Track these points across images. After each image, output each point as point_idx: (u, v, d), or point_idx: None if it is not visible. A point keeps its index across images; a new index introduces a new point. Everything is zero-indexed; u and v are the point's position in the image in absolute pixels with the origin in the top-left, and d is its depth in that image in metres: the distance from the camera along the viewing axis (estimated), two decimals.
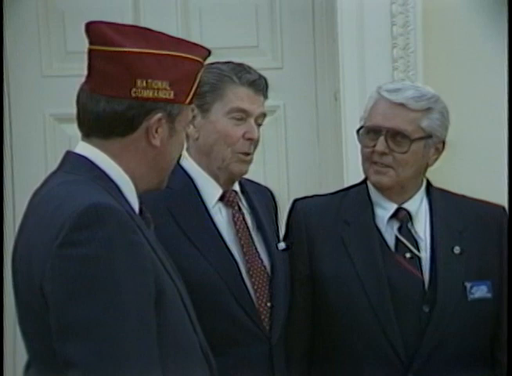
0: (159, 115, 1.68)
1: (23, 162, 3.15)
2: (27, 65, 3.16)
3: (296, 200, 2.37)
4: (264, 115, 2.22)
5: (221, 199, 2.21)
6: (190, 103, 1.74)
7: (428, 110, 2.23)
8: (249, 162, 2.21)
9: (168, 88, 1.68)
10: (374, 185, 2.29)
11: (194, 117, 2.17)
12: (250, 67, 2.19)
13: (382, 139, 2.22)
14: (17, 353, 2.89)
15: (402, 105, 2.22)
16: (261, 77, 2.19)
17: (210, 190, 2.20)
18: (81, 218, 1.54)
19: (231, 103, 2.15)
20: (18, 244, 1.67)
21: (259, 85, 2.17)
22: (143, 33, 1.70)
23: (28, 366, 1.69)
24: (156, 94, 1.66)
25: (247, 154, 2.19)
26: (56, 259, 1.53)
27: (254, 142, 2.19)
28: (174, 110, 1.70)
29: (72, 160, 1.70)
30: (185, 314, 1.69)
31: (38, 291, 1.55)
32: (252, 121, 2.17)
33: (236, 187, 2.26)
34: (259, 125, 2.21)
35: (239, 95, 2.15)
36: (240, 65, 2.19)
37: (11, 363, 2.86)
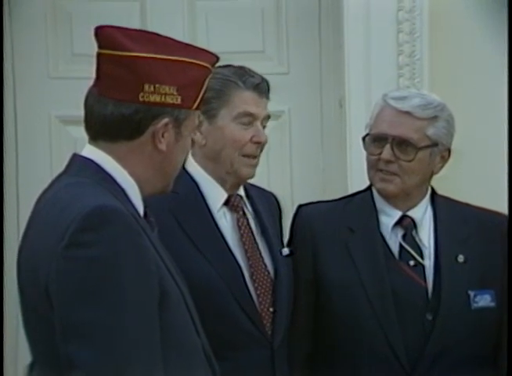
0: (166, 120, 1.68)
1: (29, 164, 3.15)
2: (33, 66, 3.16)
3: (300, 206, 2.37)
4: (268, 117, 2.23)
5: (226, 203, 2.21)
6: (197, 108, 1.74)
7: (434, 118, 2.23)
8: (256, 165, 2.22)
9: (176, 93, 1.68)
10: (379, 192, 2.28)
11: (200, 123, 2.17)
12: (251, 70, 2.20)
13: (388, 146, 2.22)
14: (19, 354, 2.88)
15: (408, 113, 2.22)
16: (263, 79, 2.20)
17: (215, 195, 2.20)
18: (86, 219, 1.54)
19: (238, 108, 2.16)
20: (23, 245, 1.67)
21: (263, 88, 2.18)
22: (152, 38, 1.70)
23: (32, 368, 1.69)
24: (163, 99, 1.67)
25: (254, 157, 2.19)
26: (62, 260, 1.53)
27: (262, 144, 2.20)
28: (181, 115, 1.70)
29: (78, 163, 1.70)
30: (188, 317, 1.69)
31: (43, 292, 1.55)
32: (258, 124, 2.18)
33: (241, 192, 2.26)
34: (263, 127, 2.21)
35: (245, 100, 2.16)
36: (242, 68, 2.20)
37: (12, 364, 2.86)
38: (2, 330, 2.64)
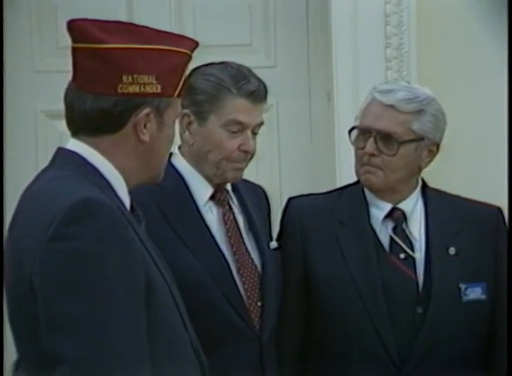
0: (147, 110, 1.66)
1: (14, 158, 3.13)
2: (18, 60, 3.14)
3: (290, 199, 2.36)
4: (261, 124, 2.18)
5: (212, 198, 2.20)
6: (179, 95, 1.72)
7: (420, 112, 2.21)
8: (243, 168, 2.19)
9: (155, 82, 1.66)
10: (364, 185, 2.27)
11: (190, 123, 2.15)
12: (251, 75, 2.15)
13: (371, 140, 2.20)
14: (6, 352, 2.87)
15: (392, 107, 2.20)
16: (260, 86, 2.14)
17: (201, 189, 2.19)
18: (71, 212, 1.53)
19: (228, 115, 2.12)
20: (9, 239, 1.66)
21: (258, 96, 2.14)
22: (126, 28, 1.69)
23: (17, 364, 1.67)
24: (142, 89, 1.65)
25: (241, 162, 2.17)
26: (46, 253, 1.52)
27: (250, 154, 2.17)
28: (162, 104, 1.68)
29: (63, 157, 1.69)
30: (175, 311, 1.68)
31: (28, 286, 1.54)
32: (249, 132, 2.15)
33: (228, 186, 2.24)
34: (255, 134, 2.18)
35: (237, 108, 2.12)
36: (240, 71, 2.14)
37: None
38: (2, 328, 2.62)
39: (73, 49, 1.66)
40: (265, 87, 2.16)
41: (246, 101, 2.12)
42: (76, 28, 1.65)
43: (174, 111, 1.72)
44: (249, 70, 2.17)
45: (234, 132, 2.13)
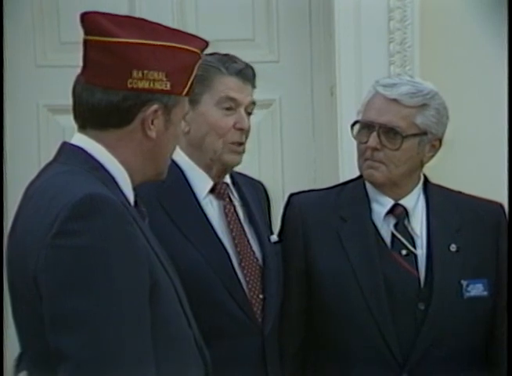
0: (155, 106, 1.67)
1: (16, 154, 3.13)
2: (20, 55, 3.14)
3: (292, 195, 2.35)
4: (253, 104, 2.21)
5: (212, 191, 2.21)
6: (187, 94, 1.73)
7: (423, 106, 2.21)
8: (241, 152, 2.20)
9: (165, 79, 1.66)
10: (366, 180, 2.27)
11: None
12: (236, 57, 2.20)
13: (375, 134, 2.20)
14: (6, 349, 2.87)
15: (395, 101, 2.20)
16: (247, 66, 2.18)
17: (201, 182, 2.19)
18: (76, 208, 1.53)
19: (220, 93, 2.15)
20: (12, 235, 1.65)
21: (246, 74, 2.17)
22: (139, 24, 1.69)
23: (20, 360, 1.67)
24: (152, 85, 1.65)
25: (240, 144, 2.18)
26: (50, 249, 1.52)
27: (246, 131, 2.18)
28: (170, 102, 1.69)
29: (67, 151, 1.69)
30: (179, 307, 1.68)
31: (32, 282, 1.54)
32: (242, 110, 2.17)
33: (227, 180, 2.25)
34: (249, 114, 2.21)
35: (228, 85, 2.15)
36: (226, 55, 2.19)
37: None
38: (2, 326, 2.62)
39: (85, 42, 1.66)
40: (252, 70, 2.19)
41: (235, 79, 2.16)
42: (89, 21, 1.65)
43: (181, 110, 1.73)
44: (236, 56, 2.20)
45: (228, 110, 2.15)
